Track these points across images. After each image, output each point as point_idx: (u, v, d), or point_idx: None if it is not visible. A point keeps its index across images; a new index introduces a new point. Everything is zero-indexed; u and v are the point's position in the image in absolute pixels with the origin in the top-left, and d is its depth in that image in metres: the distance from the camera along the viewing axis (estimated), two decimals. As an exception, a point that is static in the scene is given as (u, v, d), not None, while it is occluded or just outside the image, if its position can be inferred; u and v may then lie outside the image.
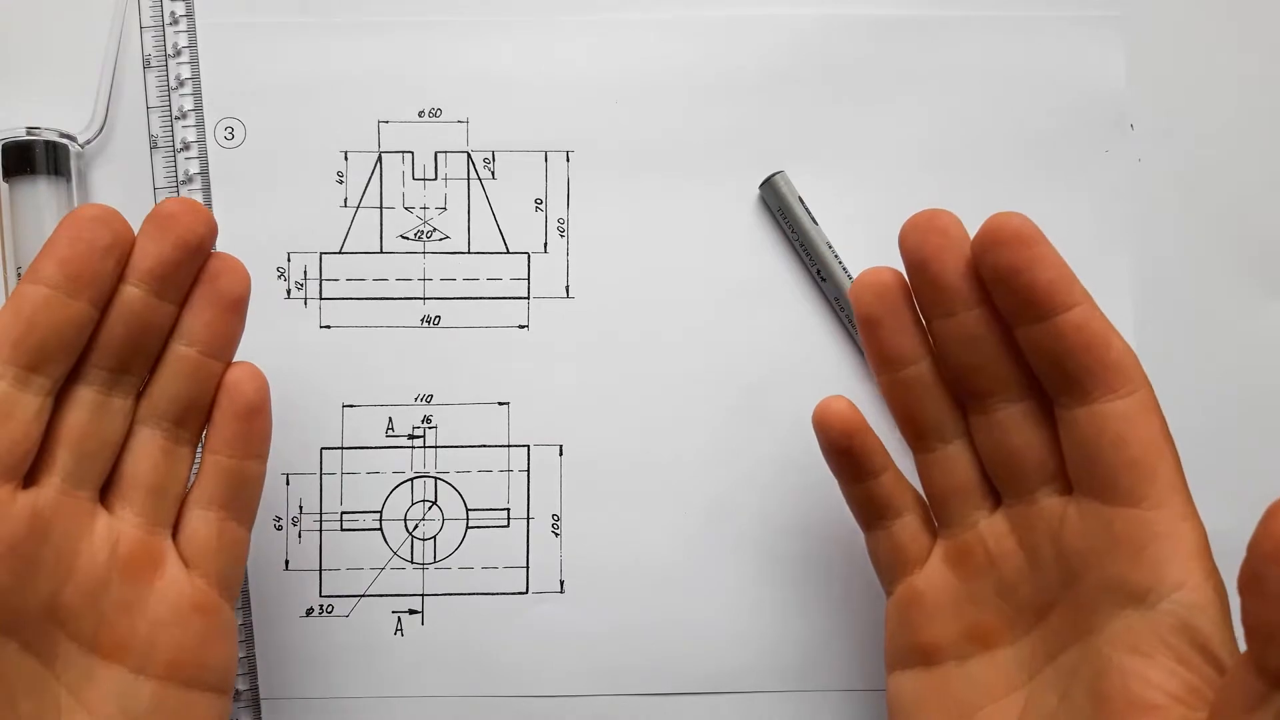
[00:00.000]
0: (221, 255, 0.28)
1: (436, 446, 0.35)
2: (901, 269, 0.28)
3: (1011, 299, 0.26)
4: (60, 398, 0.27)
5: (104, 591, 0.27)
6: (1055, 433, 0.27)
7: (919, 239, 0.27)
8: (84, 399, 0.27)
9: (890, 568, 0.30)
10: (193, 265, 0.27)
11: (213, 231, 0.27)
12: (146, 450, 0.28)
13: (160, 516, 0.28)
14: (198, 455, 0.29)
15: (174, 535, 0.29)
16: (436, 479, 0.35)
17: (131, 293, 0.27)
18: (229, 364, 0.29)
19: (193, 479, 0.29)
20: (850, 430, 0.29)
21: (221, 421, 0.28)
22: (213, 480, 0.28)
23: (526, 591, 0.35)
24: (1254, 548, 0.20)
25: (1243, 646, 0.21)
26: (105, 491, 0.28)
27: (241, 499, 0.29)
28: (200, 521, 0.28)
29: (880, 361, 0.29)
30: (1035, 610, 0.27)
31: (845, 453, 0.29)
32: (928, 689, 0.29)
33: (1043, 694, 0.26)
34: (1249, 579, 0.20)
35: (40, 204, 0.33)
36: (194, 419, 0.28)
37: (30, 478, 0.26)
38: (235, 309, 0.28)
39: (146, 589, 0.27)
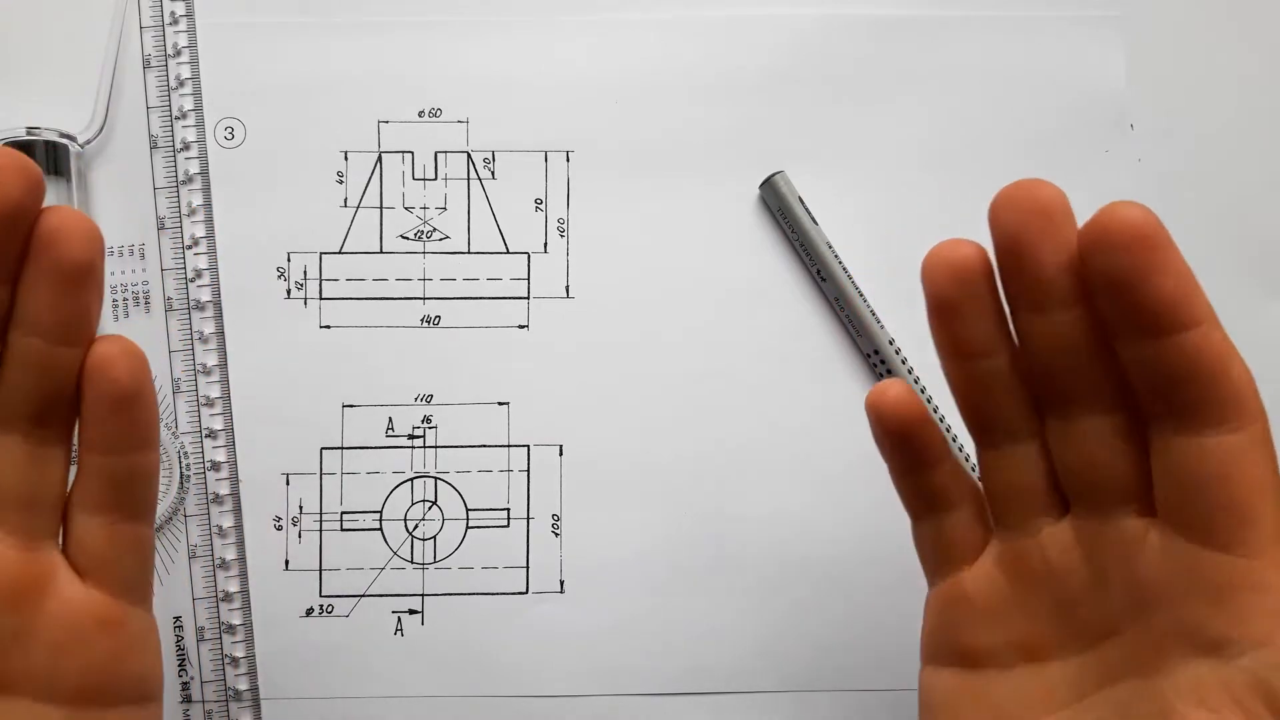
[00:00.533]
0: (57, 212, 0.22)
1: (436, 446, 0.35)
2: (982, 242, 0.24)
3: (1122, 308, 0.22)
4: None
5: None
6: (1145, 450, 0.24)
7: (1019, 219, 0.23)
8: None
9: (936, 561, 0.27)
10: (14, 233, 0.22)
11: (35, 186, 0.22)
12: (8, 460, 0.24)
13: (39, 530, 0.24)
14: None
15: (65, 545, 0.25)
16: (436, 479, 0.35)
17: None
18: (89, 344, 0.23)
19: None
20: (908, 418, 0.26)
21: (90, 415, 0.24)
22: (93, 481, 0.24)
23: (526, 591, 0.35)
24: None
25: None
26: None
27: (131, 496, 0.25)
28: (87, 528, 0.24)
29: (951, 351, 0.25)
30: (1095, 632, 0.25)
31: (901, 442, 0.26)
32: (964, 691, 0.26)
33: None
34: None
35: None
36: (57, 416, 0.24)
37: None
38: (80, 280, 0.22)
39: (36, 613, 0.24)
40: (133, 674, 0.25)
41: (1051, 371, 0.24)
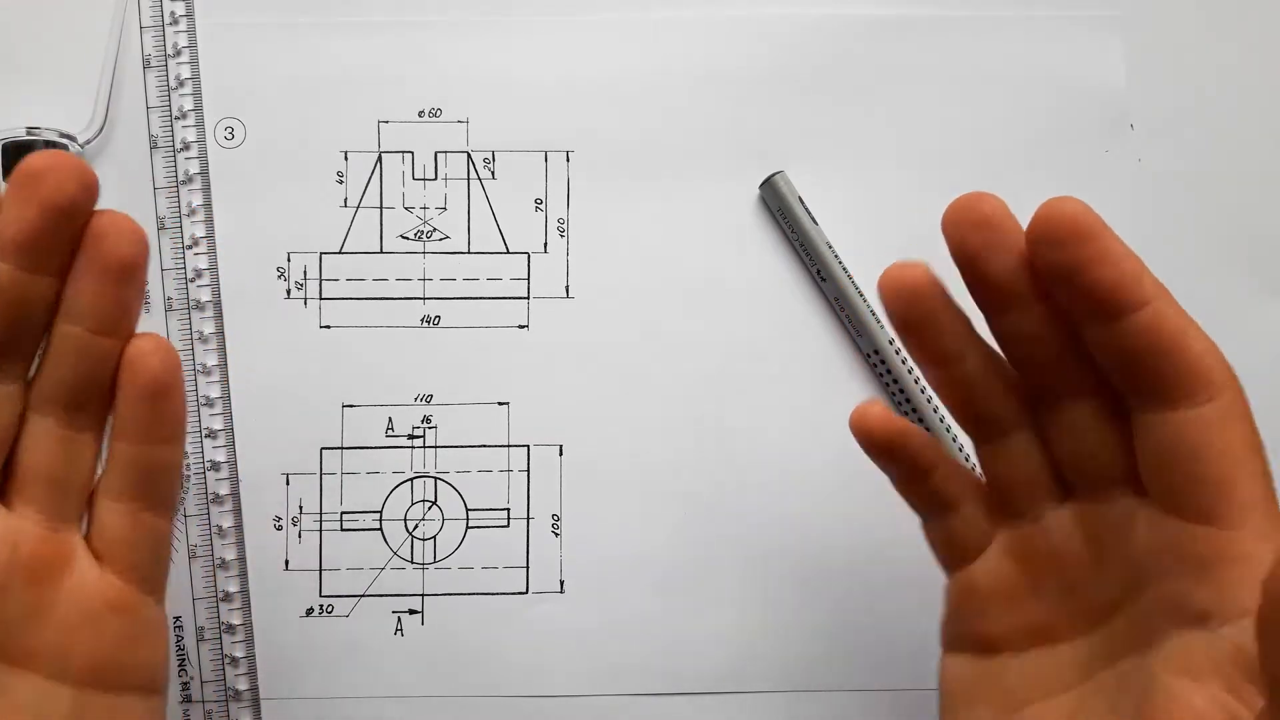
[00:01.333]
0: (107, 213, 0.24)
1: (436, 446, 0.35)
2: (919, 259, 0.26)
3: (1072, 299, 0.23)
4: None
5: (5, 597, 0.24)
6: (1131, 430, 0.24)
7: (962, 233, 0.24)
8: None
9: (948, 556, 0.28)
10: (68, 230, 0.24)
11: (89, 187, 0.23)
12: (42, 441, 0.25)
13: (65, 512, 0.25)
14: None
15: (88, 529, 0.26)
16: (436, 479, 0.35)
17: None
18: (129, 338, 0.25)
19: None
20: (891, 436, 0.27)
21: (124, 404, 0.25)
22: (121, 469, 0.25)
23: (526, 591, 0.35)
24: (1268, 589, 0.18)
25: None
26: (3, 489, 0.25)
27: (156, 487, 0.26)
28: (110, 514, 0.26)
29: (925, 362, 0.26)
30: (1099, 611, 0.25)
31: (891, 458, 0.27)
32: (980, 676, 0.27)
33: (1094, 699, 0.25)
34: (1265, 624, 0.18)
35: (40, 204, 0.33)
36: (92, 403, 0.25)
37: None
38: (125, 275, 0.24)
39: (54, 591, 0.25)
40: (141, 662, 0.26)
41: (1029, 365, 0.25)
